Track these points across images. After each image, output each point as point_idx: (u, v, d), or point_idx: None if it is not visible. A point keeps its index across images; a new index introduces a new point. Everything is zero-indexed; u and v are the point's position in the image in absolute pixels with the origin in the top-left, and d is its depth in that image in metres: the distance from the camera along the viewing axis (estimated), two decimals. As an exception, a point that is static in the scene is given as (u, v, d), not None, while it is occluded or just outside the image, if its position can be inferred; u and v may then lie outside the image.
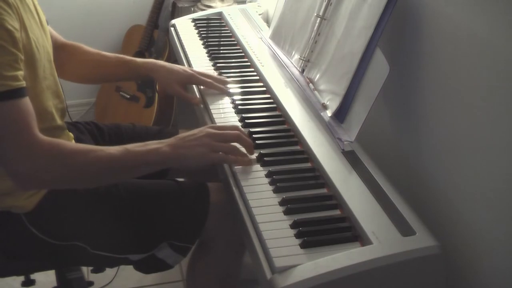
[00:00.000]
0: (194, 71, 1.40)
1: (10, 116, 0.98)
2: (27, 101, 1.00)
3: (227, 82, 1.41)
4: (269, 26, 1.64)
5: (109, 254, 1.18)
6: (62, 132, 1.21)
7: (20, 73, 0.99)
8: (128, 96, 2.47)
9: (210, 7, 2.26)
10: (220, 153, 1.12)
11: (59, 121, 1.18)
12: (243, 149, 1.13)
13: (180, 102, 1.44)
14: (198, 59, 1.57)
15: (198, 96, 1.39)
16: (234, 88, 1.41)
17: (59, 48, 1.36)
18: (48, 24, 1.30)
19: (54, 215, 1.13)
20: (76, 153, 1.04)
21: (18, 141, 0.99)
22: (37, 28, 1.09)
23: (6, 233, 1.15)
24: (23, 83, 0.99)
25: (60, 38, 1.39)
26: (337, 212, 1.02)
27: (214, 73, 1.46)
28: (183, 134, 1.12)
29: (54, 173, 1.03)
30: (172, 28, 1.78)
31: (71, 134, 1.27)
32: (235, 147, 1.12)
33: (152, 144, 1.09)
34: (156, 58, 2.39)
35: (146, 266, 1.21)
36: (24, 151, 1.00)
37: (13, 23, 0.98)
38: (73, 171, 1.05)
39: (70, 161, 1.04)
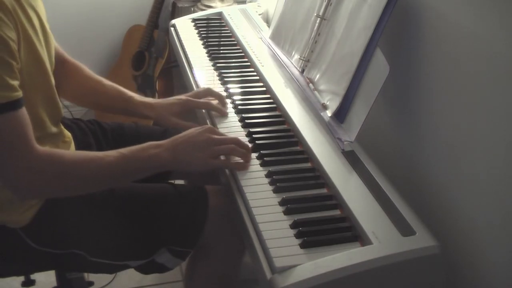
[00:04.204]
0: (190, 95, 1.34)
1: (8, 128, 0.96)
2: (24, 112, 0.98)
3: (225, 103, 1.34)
4: (269, 26, 1.64)
5: (108, 261, 1.17)
6: (57, 138, 1.18)
7: (17, 82, 0.97)
8: (128, 96, 2.47)
9: (210, 7, 2.26)
10: (221, 157, 1.13)
11: (53, 129, 1.15)
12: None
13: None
14: (198, 59, 1.57)
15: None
16: (234, 88, 1.41)
17: (60, 63, 1.30)
18: None
19: (51, 226, 1.12)
20: (76, 163, 1.04)
21: (17, 154, 0.97)
22: (38, 43, 1.06)
23: (3, 247, 1.15)
24: (20, 94, 0.97)
25: (63, 53, 1.34)
26: (337, 212, 1.02)
27: (217, 90, 1.37)
28: (181, 136, 1.11)
29: (54, 184, 1.03)
30: (172, 28, 1.78)
31: (68, 134, 1.26)
32: (235, 147, 1.12)
33: (151, 149, 1.09)
34: (156, 58, 2.41)
35: (145, 269, 1.21)
36: (24, 165, 0.98)
37: (9, 33, 0.95)
38: (73, 182, 1.05)
39: (70, 172, 1.03)
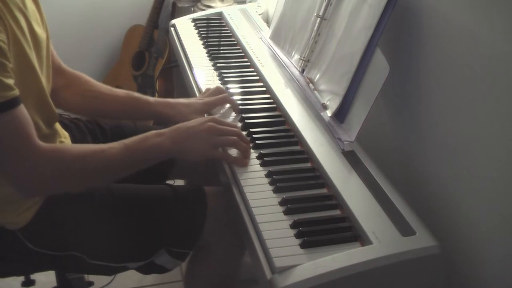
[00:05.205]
0: (206, 95, 1.33)
1: (9, 127, 0.95)
2: (22, 110, 0.98)
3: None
4: (269, 26, 1.64)
5: (107, 264, 1.17)
6: (51, 139, 1.17)
7: (12, 81, 0.96)
8: (128, 96, 2.47)
9: (210, 7, 2.26)
10: (220, 150, 1.13)
11: (46, 130, 1.14)
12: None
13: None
14: (198, 59, 1.57)
15: None
16: (234, 88, 1.41)
17: (58, 74, 1.26)
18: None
19: (50, 228, 1.12)
20: (78, 157, 1.04)
21: (20, 152, 0.97)
22: (27, 46, 1.04)
23: (2, 248, 1.14)
24: (16, 92, 0.96)
25: (60, 62, 1.29)
26: (337, 212, 1.02)
27: (218, 85, 1.39)
28: (184, 124, 1.11)
29: (59, 179, 1.03)
30: (172, 28, 1.78)
31: (65, 134, 1.25)
32: (236, 139, 1.12)
33: (152, 138, 1.09)
34: (156, 58, 2.41)
35: (145, 270, 1.21)
36: (28, 162, 0.98)
37: None
38: (78, 175, 1.05)
39: (75, 166, 1.03)
